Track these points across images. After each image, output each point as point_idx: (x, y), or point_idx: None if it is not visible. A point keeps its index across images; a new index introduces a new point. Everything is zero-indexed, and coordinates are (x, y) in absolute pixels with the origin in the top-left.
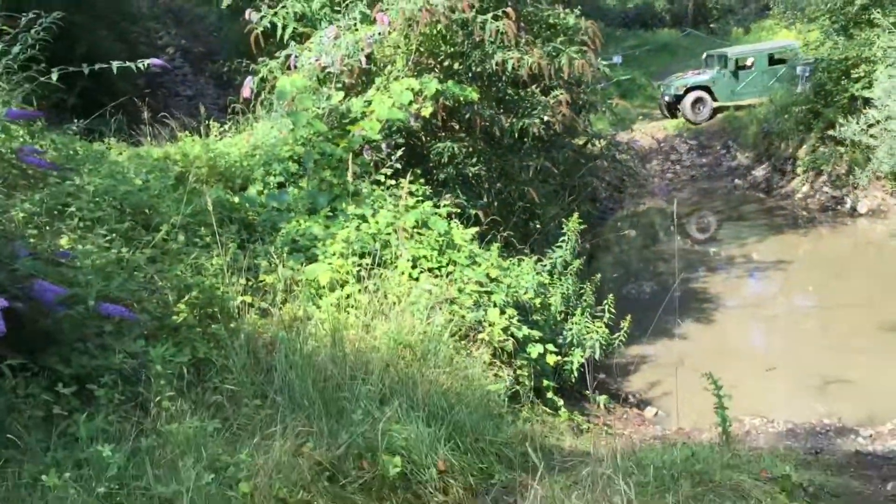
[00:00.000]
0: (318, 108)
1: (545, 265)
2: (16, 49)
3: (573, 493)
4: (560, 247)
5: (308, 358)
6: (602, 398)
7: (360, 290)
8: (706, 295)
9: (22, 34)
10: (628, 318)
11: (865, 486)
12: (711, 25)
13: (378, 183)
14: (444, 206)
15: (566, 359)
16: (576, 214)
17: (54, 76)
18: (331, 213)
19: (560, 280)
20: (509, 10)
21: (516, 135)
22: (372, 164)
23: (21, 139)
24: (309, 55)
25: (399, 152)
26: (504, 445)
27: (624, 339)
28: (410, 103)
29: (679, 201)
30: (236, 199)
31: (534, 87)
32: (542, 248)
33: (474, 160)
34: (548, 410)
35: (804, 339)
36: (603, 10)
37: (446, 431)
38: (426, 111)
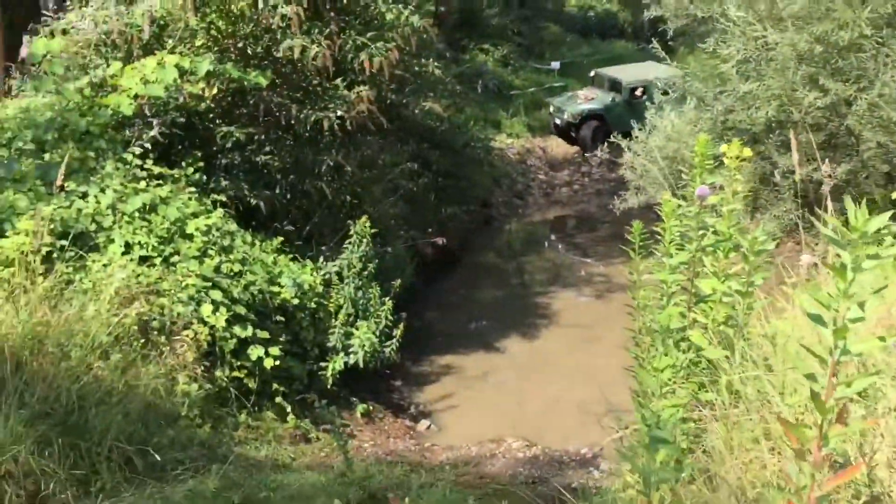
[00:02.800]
0: (75, 75)
1: (334, 266)
2: None
3: None
4: (347, 249)
5: None
6: (360, 407)
7: (33, 273)
8: (546, 310)
9: None
10: (401, 325)
11: None
12: (670, 42)
13: (124, 161)
14: (212, 196)
15: (323, 364)
16: (364, 217)
17: None
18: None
19: (346, 283)
20: None
21: (308, 127)
22: (122, 142)
23: None
24: (86, 18)
25: (153, 132)
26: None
27: (395, 348)
28: (176, 81)
29: (576, 214)
30: None
31: (339, 80)
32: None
33: (266, 149)
34: (273, 416)
35: (617, 366)
36: (565, 16)
37: (55, 432)
38: (192, 88)
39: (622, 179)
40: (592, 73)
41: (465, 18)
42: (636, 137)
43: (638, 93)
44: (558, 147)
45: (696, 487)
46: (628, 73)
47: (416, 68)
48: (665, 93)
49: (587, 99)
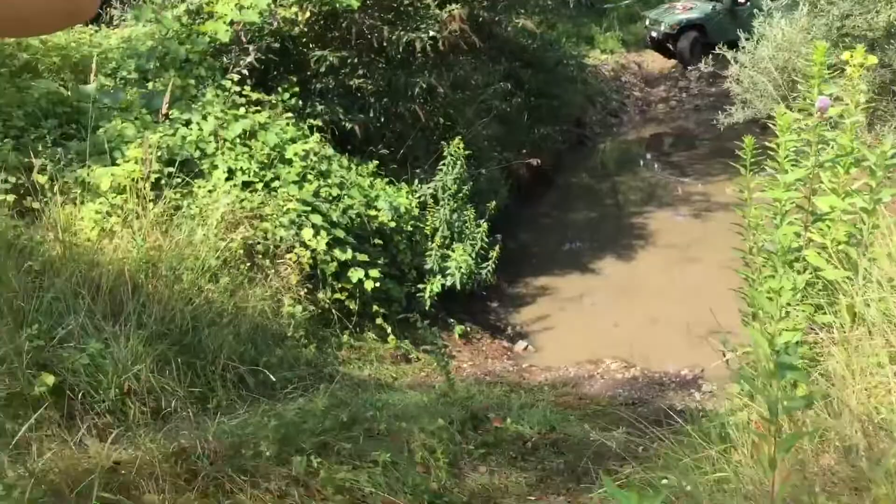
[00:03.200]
0: (173, 2)
1: (429, 188)
2: None
3: None
4: (441, 171)
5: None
6: (458, 328)
7: (144, 200)
8: (641, 231)
9: None
10: (497, 247)
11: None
12: None
13: (223, 88)
14: (310, 121)
15: (420, 286)
16: (457, 139)
17: None
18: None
19: (442, 205)
20: None
21: (400, 49)
22: (220, 69)
23: None
24: None
25: (249, 58)
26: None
27: (491, 270)
28: (270, 6)
29: (673, 131)
30: (69, 93)
31: None
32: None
33: (360, 72)
34: (374, 337)
35: (719, 288)
36: None
37: (172, 352)
38: (285, 12)
39: (723, 94)
40: None
41: None
42: (743, 48)
43: None
44: (654, 62)
45: (816, 412)
46: None
47: None
48: None
49: (685, 9)
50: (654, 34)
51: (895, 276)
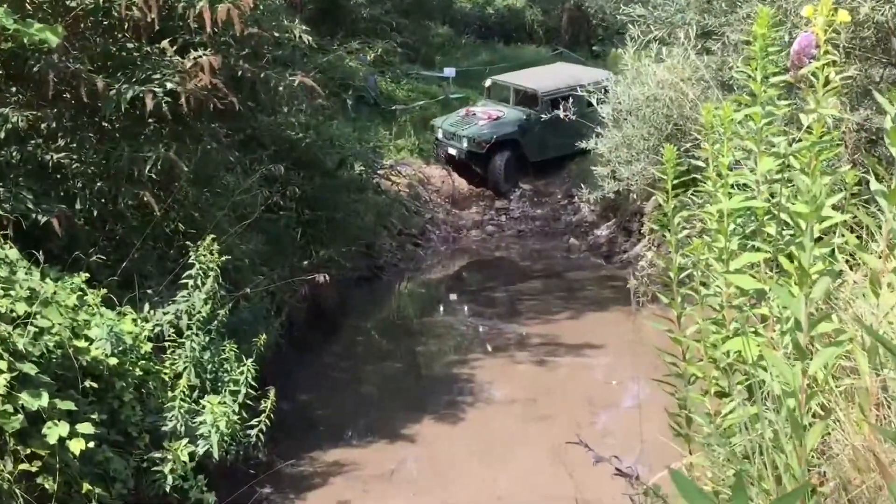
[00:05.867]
0: None
1: (168, 313)
2: None
3: None
4: (185, 287)
5: None
6: None
7: None
8: (469, 385)
9: None
10: (271, 394)
11: None
12: (594, 48)
13: None
14: None
15: (157, 456)
16: (209, 238)
17: None
18: None
19: (188, 339)
20: None
21: (122, 109)
22: None
23: None
24: None
25: None
26: None
27: (263, 430)
28: None
29: (492, 262)
30: None
31: (166, 41)
32: None
33: (61, 142)
34: None
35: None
36: (456, 13)
37: None
38: None
39: (552, 217)
40: (488, 83)
41: (326, 7)
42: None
43: (562, 109)
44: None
45: None
46: (541, 80)
47: (276, 33)
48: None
49: (492, 119)
50: (451, 151)
51: None
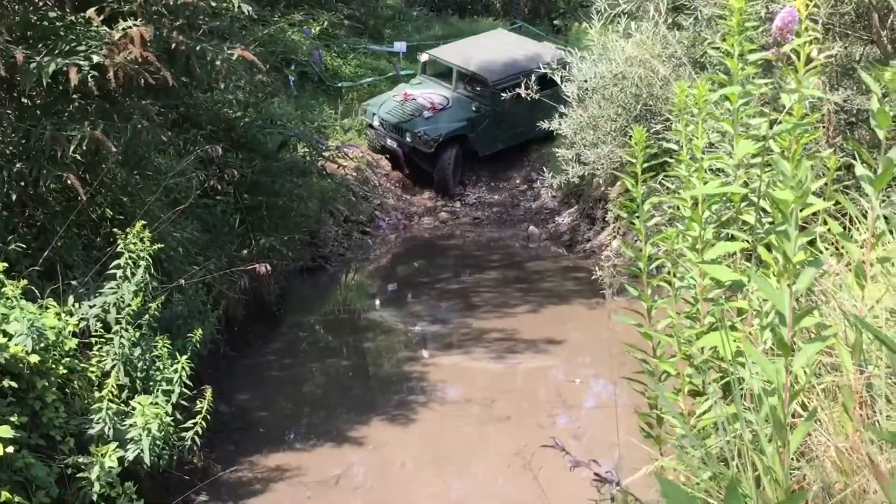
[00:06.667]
0: None
1: (94, 306)
2: None
3: None
4: (113, 277)
5: None
6: None
7: None
8: (421, 384)
9: None
10: (208, 394)
11: None
12: (555, 21)
13: None
14: None
15: (82, 462)
16: (139, 224)
17: None
18: None
19: (116, 334)
20: None
21: (43, 83)
22: None
23: None
24: None
25: None
26: None
27: (199, 433)
28: None
29: (447, 251)
30: None
31: (93, 10)
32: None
33: None
34: None
35: (549, 456)
36: None
37: None
38: None
39: (510, 203)
40: (424, 57)
41: None
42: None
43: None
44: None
45: None
46: (489, 63)
47: (213, 3)
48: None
49: (436, 110)
50: (390, 142)
51: None
